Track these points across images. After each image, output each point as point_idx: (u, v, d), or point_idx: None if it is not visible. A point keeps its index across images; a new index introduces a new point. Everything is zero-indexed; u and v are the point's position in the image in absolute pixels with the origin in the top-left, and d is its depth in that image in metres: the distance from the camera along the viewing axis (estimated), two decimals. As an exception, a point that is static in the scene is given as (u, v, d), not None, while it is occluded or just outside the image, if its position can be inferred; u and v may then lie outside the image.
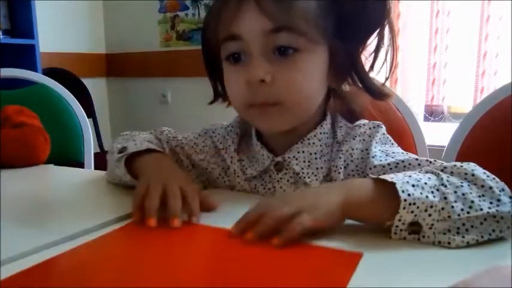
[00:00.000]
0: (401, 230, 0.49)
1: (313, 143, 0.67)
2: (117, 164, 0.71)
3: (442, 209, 0.48)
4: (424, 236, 0.49)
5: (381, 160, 0.62)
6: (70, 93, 1.36)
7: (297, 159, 0.66)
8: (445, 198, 0.48)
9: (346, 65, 0.64)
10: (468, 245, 0.47)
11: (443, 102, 2.18)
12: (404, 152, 0.65)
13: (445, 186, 0.49)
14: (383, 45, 0.63)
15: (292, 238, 0.47)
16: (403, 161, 0.61)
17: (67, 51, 2.75)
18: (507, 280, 0.32)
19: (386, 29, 0.62)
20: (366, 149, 0.65)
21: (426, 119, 2.21)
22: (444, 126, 2.12)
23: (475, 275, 0.33)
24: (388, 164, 0.61)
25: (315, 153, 0.66)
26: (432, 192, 0.48)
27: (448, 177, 0.50)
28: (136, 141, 0.72)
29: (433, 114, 2.21)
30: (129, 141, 0.73)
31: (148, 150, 0.69)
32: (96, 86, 2.90)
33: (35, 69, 2.18)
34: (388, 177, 0.50)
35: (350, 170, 0.65)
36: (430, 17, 2.12)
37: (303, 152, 0.66)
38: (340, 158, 0.65)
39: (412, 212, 0.47)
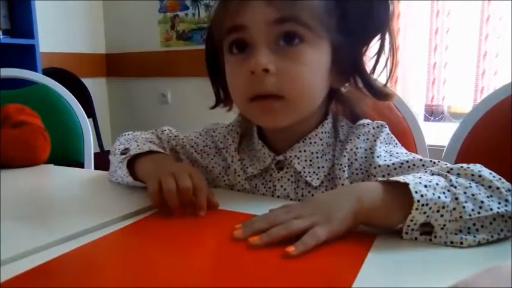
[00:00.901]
0: (412, 229, 0.49)
1: (315, 142, 0.67)
2: (119, 165, 0.71)
3: (454, 209, 0.48)
4: (435, 237, 0.48)
5: (385, 160, 0.62)
6: (70, 93, 1.36)
7: (298, 158, 0.66)
8: (456, 198, 0.48)
9: (348, 65, 0.64)
10: (479, 244, 0.48)
11: (443, 102, 2.18)
12: (408, 152, 0.65)
13: (455, 187, 0.49)
14: (384, 52, 0.63)
15: (307, 250, 0.46)
16: (407, 161, 0.61)
17: (67, 51, 2.75)
18: (507, 280, 0.32)
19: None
20: (370, 149, 0.65)
21: (426, 119, 2.21)
22: (444, 126, 2.12)
23: (475, 275, 0.33)
24: (393, 164, 0.61)
25: (317, 152, 0.67)
26: (444, 192, 0.48)
27: (456, 178, 0.51)
28: (138, 143, 0.72)
29: (433, 114, 2.21)
30: (131, 142, 0.73)
31: (150, 152, 0.69)
32: (96, 86, 2.90)
33: (35, 69, 2.18)
34: (400, 178, 0.50)
35: (354, 168, 0.65)
36: (430, 17, 2.12)
37: (305, 151, 0.66)
38: (344, 156, 0.65)
39: (424, 212, 0.47)
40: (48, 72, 2.24)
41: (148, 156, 0.69)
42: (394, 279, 0.41)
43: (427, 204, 0.47)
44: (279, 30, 0.59)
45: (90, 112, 2.48)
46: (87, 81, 2.66)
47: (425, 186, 0.48)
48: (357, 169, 0.65)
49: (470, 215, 0.48)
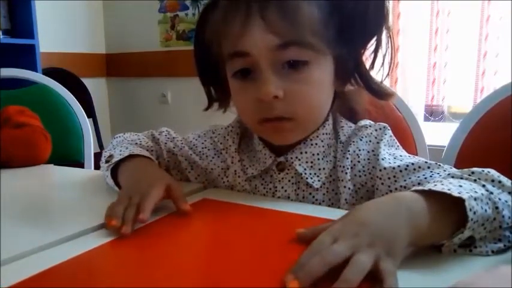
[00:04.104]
0: (454, 244, 0.46)
1: (316, 144, 0.67)
2: (106, 173, 0.72)
3: (494, 219, 0.46)
4: (476, 247, 0.47)
5: (390, 163, 0.62)
6: (70, 93, 1.36)
7: (299, 159, 0.66)
8: (496, 208, 0.47)
9: (350, 68, 0.64)
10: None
11: (443, 102, 2.18)
12: (411, 155, 0.65)
13: (492, 193, 0.47)
14: (381, 48, 0.63)
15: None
16: (412, 164, 0.61)
17: (67, 51, 2.75)
18: (507, 280, 0.32)
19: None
20: (373, 151, 0.65)
21: (426, 119, 2.21)
22: (444, 126, 2.12)
23: (475, 274, 0.33)
24: (398, 166, 0.61)
25: (318, 154, 0.66)
26: (487, 203, 0.46)
27: (487, 184, 0.49)
28: (122, 147, 0.72)
29: (433, 114, 2.21)
30: (116, 148, 0.73)
31: (133, 155, 0.69)
32: (96, 86, 2.90)
33: (35, 69, 2.18)
34: (454, 191, 0.45)
35: (357, 170, 0.65)
36: (430, 17, 2.12)
37: (306, 152, 0.66)
38: (347, 158, 0.65)
39: (473, 229, 0.45)
40: (48, 72, 2.24)
41: (127, 163, 0.69)
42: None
43: (477, 221, 0.44)
44: (283, 55, 0.59)
45: (90, 112, 2.48)
46: (87, 81, 2.66)
47: (475, 199, 0.45)
48: (359, 171, 0.65)
49: (508, 224, 0.47)
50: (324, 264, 0.38)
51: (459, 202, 0.44)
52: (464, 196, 0.44)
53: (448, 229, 0.45)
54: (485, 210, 0.45)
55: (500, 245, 0.47)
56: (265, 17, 0.57)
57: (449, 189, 0.45)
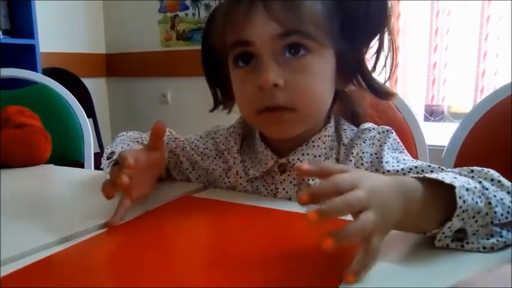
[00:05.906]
0: (446, 236, 0.46)
1: (318, 146, 0.67)
2: (107, 170, 0.72)
3: (486, 214, 0.46)
4: (468, 243, 0.47)
5: (393, 166, 0.62)
6: (70, 93, 1.36)
7: (301, 161, 0.66)
8: (489, 203, 0.47)
9: (352, 67, 0.65)
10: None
11: (443, 102, 2.18)
12: (414, 159, 0.65)
13: (487, 189, 0.48)
14: (383, 50, 0.63)
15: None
16: (416, 167, 0.61)
17: (67, 51, 2.75)
18: (507, 280, 0.32)
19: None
20: (376, 154, 0.65)
21: (426, 119, 2.21)
22: (444, 126, 2.12)
23: (475, 274, 0.33)
24: (402, 170, 0.61)
25: (319, 156, 0.66)
26: (480, 197, 0.46)
27: (483, 181, 0.49)
28: (124, 144, 0.72)
29: (433, 114, 2.21)
30: (119, 145, 0.74)
31: None
32: (96, 86, 2.90)
33: (35, 69, 2.18)
34: (440, 176, 0.46)
35: None
36: (430, 17, 2.12)
37: (308, 154, 0.66)
38: (350, 160, 0.65)
39: (462, 219, 0.45)
40: (48, 72, 2.24)
41: None
42: (393, 279, 0.41)
43: (466, 210, 0.44)
44: (284, 42, 0.59)
45: (90, 112, 2.48)
46: (87, 81, 2.66)
47: (467, 189, 0.45)
48: None
49: (499, 220, 0.47)
50: (347, 204, 0.39)
51: (452, 193, 0.44)
52: (456, 184, 0.45)
53: (437, 218, 0.46)
54: (477, 203, 0.45)
55: (493, 240, 0.47)
56: (268, 6, 0.58)
57: (442, 178, 0.46)
